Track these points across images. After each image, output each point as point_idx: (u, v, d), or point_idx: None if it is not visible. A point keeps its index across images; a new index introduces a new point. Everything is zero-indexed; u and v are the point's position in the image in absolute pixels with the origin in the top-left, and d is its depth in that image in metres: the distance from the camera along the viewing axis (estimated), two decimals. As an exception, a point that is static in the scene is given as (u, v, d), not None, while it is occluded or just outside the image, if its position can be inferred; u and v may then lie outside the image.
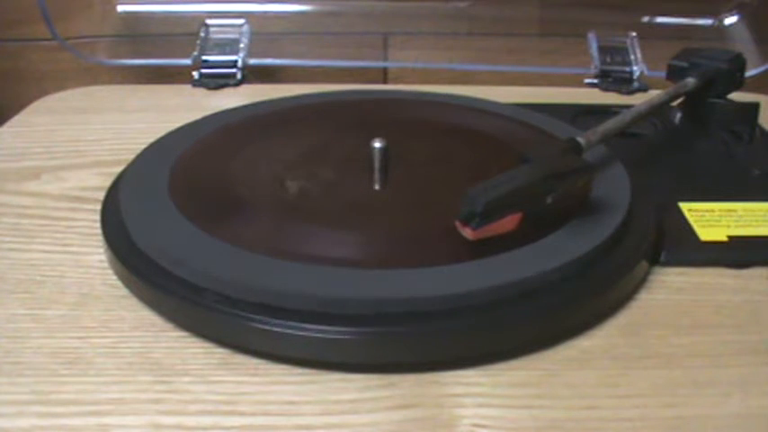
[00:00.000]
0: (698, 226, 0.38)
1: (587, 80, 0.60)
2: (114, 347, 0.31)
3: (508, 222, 0.33)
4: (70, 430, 0.27)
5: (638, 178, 0.40)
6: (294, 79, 0.65)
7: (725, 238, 0.38)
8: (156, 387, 0.29)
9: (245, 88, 0.59)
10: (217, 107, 0.49)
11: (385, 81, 0.68)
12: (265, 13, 0.65)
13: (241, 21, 0.62)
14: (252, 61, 0.61)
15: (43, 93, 0.58)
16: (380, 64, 0.67)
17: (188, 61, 0.60)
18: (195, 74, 0.59)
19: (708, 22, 0.65)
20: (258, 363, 0.30)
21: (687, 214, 0.39)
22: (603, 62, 0.61)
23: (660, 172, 0.44)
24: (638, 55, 0.61)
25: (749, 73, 0.52)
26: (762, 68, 0.60)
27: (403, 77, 0.68)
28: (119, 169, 0.43)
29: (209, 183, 0.39)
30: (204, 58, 0.60)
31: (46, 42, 0.64)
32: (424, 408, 0.28)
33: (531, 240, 0.34)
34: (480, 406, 0.28)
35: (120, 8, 0.65)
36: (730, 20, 0.65)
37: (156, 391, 0.29)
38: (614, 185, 0.39)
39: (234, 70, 0.60)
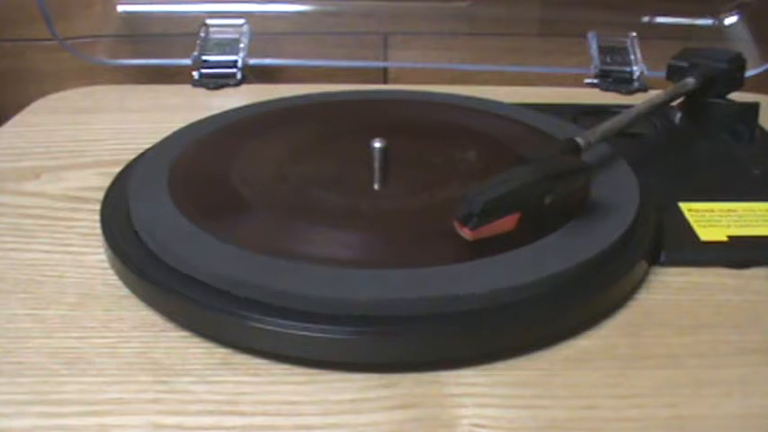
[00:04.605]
0: (698, 226, 0.38)
1: (587, 80, 0.60)
2: (114, 347, 0.31)
3: (506, 223, 0.33)
4: (70, 430, 0.27)
5: (638, 178, 0.40)
6: (294, 79, 0.65)
7: (725, 238, 0.38)
8: (156, 387, 0.29)
9: (245, 88, 0.59)
10: (217, 107, 0.49)
11: (385, 81, 0.68)
12: (265, 13, 0.65)
13: (241, 21, 0.62)
14: (252, 61, 0.61)
15: (43, 93, 0.58)
16: (380, 64, 0.67)
17: (188, 61, 0.60)
18: (195, 74, 0.59)
19: (708, 22, 0.65)
20: (258, 363, 0.30)
21: (687, 214, 0.39)
22: (603, 62, 0.61)
23: (660, 172, 0.44)
24: (638, 55, 0.61)
25: (749, 73, 0.52)
26: (762, 68, 0.60)
27: (403, 77, 0.68)
28: (119, 169, 0.43)
29: (210, 182, 0.40)
30: (204, 58, 0.60)
31: (46, 42, 0.64)
32: (424, 408, 0.28)
33: (534, 240, 0.34)
34: (480, 406, 0.28)
35: (120, 8, 0.65)
36: (730, 20, 0.65)
37: (156, 391, 0.29)
38: (621, 185, 0.39)
39: (234, 70, 0.60)
